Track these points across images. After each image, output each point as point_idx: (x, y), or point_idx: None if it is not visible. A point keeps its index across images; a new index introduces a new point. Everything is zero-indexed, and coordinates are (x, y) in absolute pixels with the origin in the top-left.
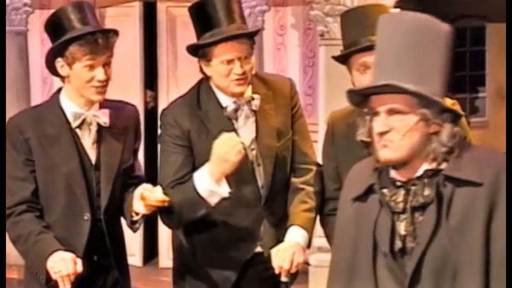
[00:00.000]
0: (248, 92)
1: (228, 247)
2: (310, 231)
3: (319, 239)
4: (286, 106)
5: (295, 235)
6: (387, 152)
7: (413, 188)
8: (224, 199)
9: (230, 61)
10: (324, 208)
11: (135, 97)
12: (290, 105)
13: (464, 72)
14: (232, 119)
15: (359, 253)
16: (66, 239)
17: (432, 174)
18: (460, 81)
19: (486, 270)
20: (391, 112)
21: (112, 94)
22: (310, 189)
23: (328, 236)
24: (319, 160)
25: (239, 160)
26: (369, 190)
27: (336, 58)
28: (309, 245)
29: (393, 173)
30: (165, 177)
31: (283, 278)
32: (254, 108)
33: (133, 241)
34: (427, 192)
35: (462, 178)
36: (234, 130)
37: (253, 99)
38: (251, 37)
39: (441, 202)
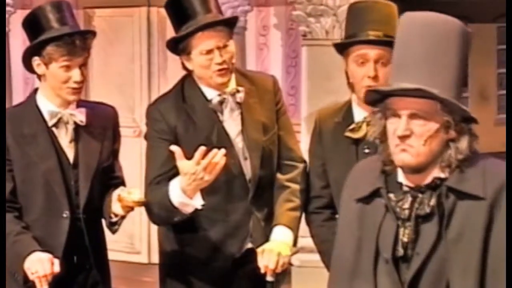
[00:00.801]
0: (233, 84)
1: (218, 243)
2: (295, 230)
3: (302, 239)
4: (270, 101)
5: (280, 234)
6: (406, 156)
7: (420, 195)
8: (212, 193)
9: (209, 51)
10: (309, 206)
11: (143, 97)
12: (274, 100)
13: None
14: (218, 111)
15: (362, 254)
16: (45, 238)
17: (440, 183)
18: None
19: (481, 286)
20: (414, 116)
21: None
22: (295, 187)
23: (313, 236)
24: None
25: (212, 179)
26: (375, 193)
27: (336, 46)
28: (294, 244)
29: (401, 178)
30: (150, 172)
31: (269, 278)
32: (239, 100)
33: (139, 240)
34: (433, 202)
35: (464, 191)
36: (220, 122)
37: (238, 91)
38: (228, 25)
39: (443, 214)
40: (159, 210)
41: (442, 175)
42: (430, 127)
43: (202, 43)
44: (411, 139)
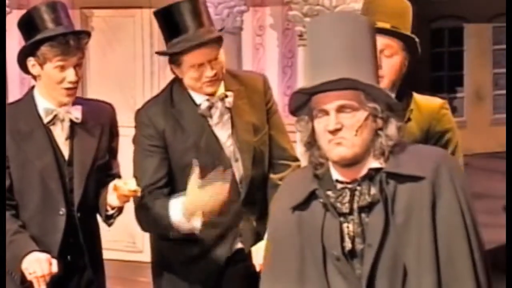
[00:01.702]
0: (221, 89)
1: (208, 243)
2: None
3: None
4: (260, 101)
5: None
6: (342, 149)
7: (358, 188)
8: None
9: (200, 65)
10: None
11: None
12: (264, 100)
13: (443, 72)
14: (207, 116)
15: (307, 262)
16: (41, 236)
17: (376, 172)
18: (438, 81)
19: (437, 265)
20: (341, 109)
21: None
22: None
23: None
24: (300, 157)
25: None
26: (311, 197)
27: None
28: None
29: (336, 175)
30: (140, 180)
31: None
32: (227, 105)
33: (141, 238)
34: (373, 191)
35: (404, 174)
36: (209, 127)
37: (226, 96)
38: (219, 39)
39: (386, 200)
40: (154, 223)
41: (378, 165)
42: (359, 117)
43: (194, 59)
44: (342, 131)
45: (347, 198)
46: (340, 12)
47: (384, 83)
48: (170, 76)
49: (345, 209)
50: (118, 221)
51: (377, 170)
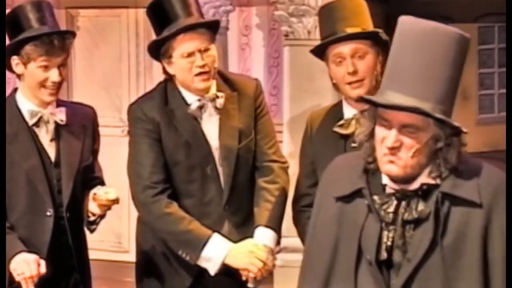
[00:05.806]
0: (213, 89)
1: None
2: (277, 228)
3: (285, 239)
4: (250, 107)
5: (262, 235)
6: (394, 168)
7: (406, 199)
8: (188, 197)
9: (190, 54)
10: (297, 205)
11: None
12: (254, 105)
13: None
14: (197, 117)
15: (339, 254)
16: (29, 237)
17: (427, 188)
18: None
19: None
20: (404, 127)
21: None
22: (273, 186)
23: (300, 234)
24: (286, 157)
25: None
26: (356, 193)
27: (313, 52)
28: (278, 242)
29: (385, 180)
30: (139, 177)
31: (250, 285)
32: (218, 106)
33: (127, 238)
34: (421, 207)
35: (461, 197)
36: (199, 127)
37: (217, 97)
38: (209, 28)
39: (438, 220)
40: (173, 235)
41: (431, 181)
42: (420, 138)
43: (183, 45)
44: (400, 150)
45: (392, 208)
46: (432, 24)
47: (366, 84)
48: (156, 76)
49: (387, 219)
50: (104, 221)
51: (430, 186)
